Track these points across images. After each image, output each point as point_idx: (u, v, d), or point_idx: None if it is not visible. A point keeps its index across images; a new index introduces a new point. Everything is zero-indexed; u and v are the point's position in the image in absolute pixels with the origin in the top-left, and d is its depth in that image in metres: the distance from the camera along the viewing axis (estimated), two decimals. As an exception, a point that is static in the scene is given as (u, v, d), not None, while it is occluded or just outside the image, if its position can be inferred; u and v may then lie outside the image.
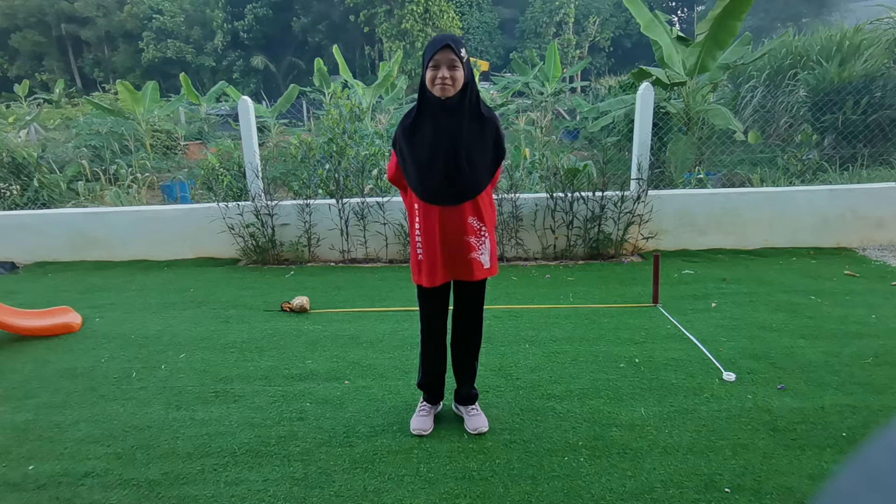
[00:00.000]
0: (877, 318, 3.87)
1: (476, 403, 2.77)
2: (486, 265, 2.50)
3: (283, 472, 2.42)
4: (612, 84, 14.50)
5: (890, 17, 8.49)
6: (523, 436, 2.63)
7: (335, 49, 14.55)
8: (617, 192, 5.43)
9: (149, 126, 11.74)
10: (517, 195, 5.41)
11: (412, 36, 26.22)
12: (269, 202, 5.51)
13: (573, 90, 19.41)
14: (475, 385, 2.77)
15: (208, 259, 5.84)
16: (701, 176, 6.73)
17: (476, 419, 2.70)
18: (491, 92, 16.56)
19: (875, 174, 6.68)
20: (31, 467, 2.50)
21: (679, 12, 42.39)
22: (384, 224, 5.59)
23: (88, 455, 2.57)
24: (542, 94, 15.23)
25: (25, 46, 33.68)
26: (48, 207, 7.09)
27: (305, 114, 17.04)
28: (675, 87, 7.91)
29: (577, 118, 13.83)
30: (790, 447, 2.50)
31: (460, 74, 2.24)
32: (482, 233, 2.45)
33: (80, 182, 8.12)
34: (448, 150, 2.30)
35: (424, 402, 2.78)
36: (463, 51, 2.25)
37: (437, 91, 2.25)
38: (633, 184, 5.51)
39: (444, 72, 2.21)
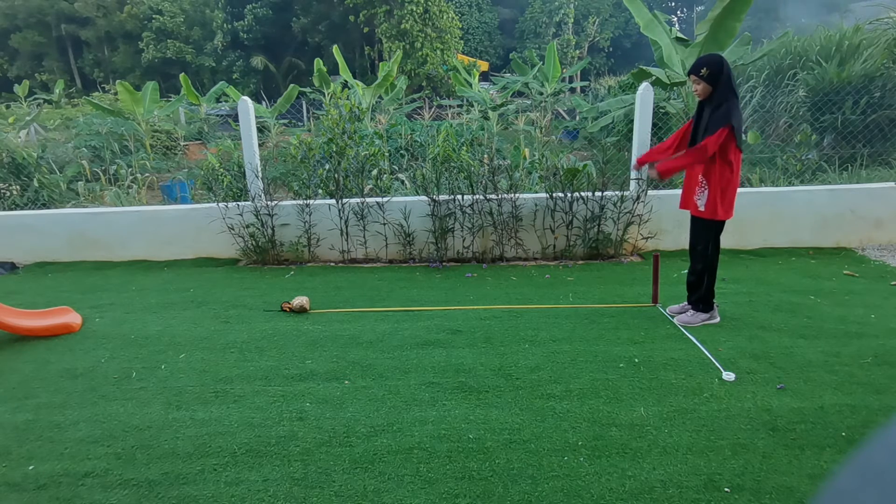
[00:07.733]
0: (876, 318, 3.88)
1: (690, 307, 3.92)
2: (701, 208, 3.71)
3: (283, 472, 2.42)
4: (612, 84, 14.52)
5: (889, 17, 8.49)
6: (523, 436, 2.63)
7: (335, 49, 14.51)
8: (616, 193, 5.43)
9: (149, 126, 11.74)
10: (517, 195, 5.41)
11: (412, 36, 26.22)
12: (268, 202, 5.51)
13: (573, 90, 19.40)
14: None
15: (208, 259, 5.84)
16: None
17: (681, 316, 3.90)
18: (490, 92, 16.54)
19: (874, 174, 6.69)
20: (31, 467, 2.50)
21: (679, 12, 42.44)
22: (384, 224, 5.59)
23: (88, 455, 2.58)
24: (541, 94, 15.22)
25: (25, 47, 33.65)
26: (48, 207, 7.08)
27: (305, 114, 17.04)
28: (675, 87, 7.92)
29: (577, 118, 13.83)
30: (790, 447, 2.50)
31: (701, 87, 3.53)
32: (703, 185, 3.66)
33: (80, 182, 8.13)
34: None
35: None
36: (703, 70, 3.48)
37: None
38: (632, 184, 5.51)
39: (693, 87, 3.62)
